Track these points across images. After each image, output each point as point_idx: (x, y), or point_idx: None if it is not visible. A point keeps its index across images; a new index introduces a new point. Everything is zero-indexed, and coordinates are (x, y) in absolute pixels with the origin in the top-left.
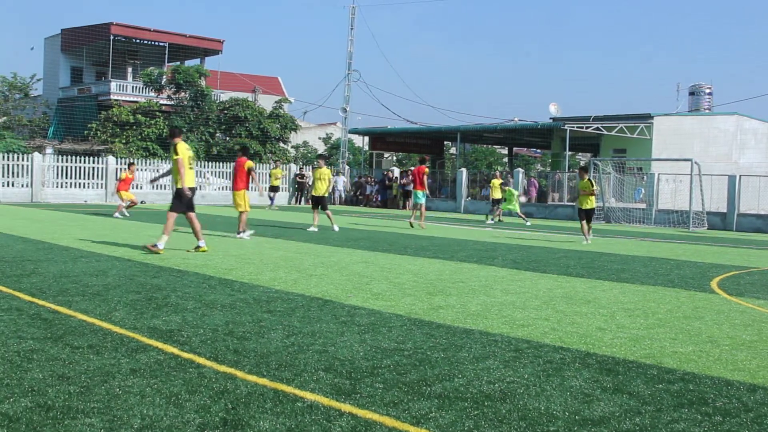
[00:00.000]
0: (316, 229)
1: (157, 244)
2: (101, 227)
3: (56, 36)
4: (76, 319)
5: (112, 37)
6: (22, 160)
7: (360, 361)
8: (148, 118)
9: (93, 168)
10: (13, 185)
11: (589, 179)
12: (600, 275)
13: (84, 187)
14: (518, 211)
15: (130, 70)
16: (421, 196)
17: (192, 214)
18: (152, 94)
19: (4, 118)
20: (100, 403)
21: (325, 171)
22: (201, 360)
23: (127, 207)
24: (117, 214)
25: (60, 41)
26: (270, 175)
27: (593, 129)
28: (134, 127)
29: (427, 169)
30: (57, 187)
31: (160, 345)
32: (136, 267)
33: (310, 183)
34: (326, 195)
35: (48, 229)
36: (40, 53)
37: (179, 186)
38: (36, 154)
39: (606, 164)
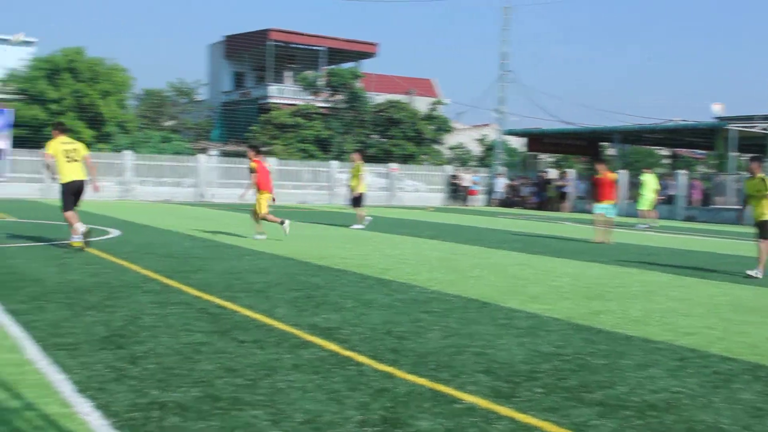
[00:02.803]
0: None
1: (73, 237)
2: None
3: (219, 43)
4: (240, 315)
5: (271, 43)
6: (189, 161)
7: (518, 364)
8: (306, 121)
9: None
10: (180, 185)
11: (762, 178)
12: (766, 282)
13: (245, 188)
14: (644, 209)
15: (288, 74)
16: (608, 209)
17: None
18: (309, 96)
19: (172, 121)
20: (264, 396)
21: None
22: (361, 358)
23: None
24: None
25: (223, 48)
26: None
27: (760, 129)
28: (293, 129)
29: (615, 175)
30: (220, 187)
31: (320, 342)
32: (297, 266)
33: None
34: (362, 192)
35: (213, 228)
36: (205, 59)
37: (60, 182)
38: (201, 155)
39: None
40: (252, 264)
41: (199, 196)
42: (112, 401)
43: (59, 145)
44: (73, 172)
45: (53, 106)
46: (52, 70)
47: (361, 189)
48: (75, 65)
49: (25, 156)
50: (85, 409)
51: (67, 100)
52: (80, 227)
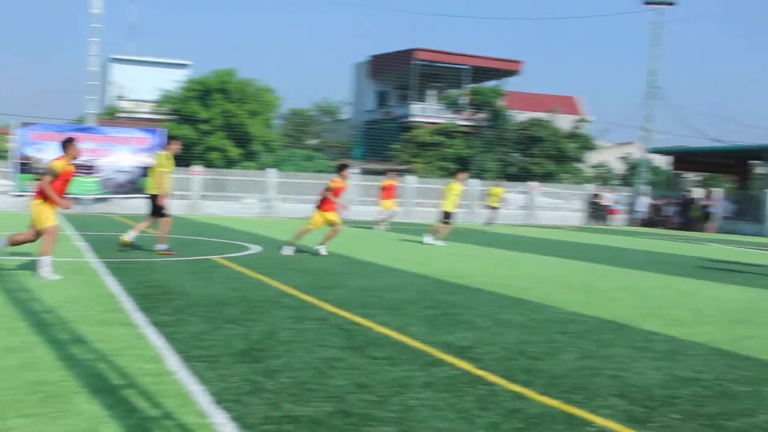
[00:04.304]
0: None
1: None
2: (403, 245)
3: (364, 62)
4: (375, 331)
5: (416, 62)
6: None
7: (655, 389)
8: (447, 139)
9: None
10: None
11: None
12: None
13: None
14: None
15: (431, 92)
16: None
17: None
18: (452, 115)
19: (316, 140)
20: (395, 413)
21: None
22: (493, 377)
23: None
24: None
25: (368, 67)
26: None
27: None
28: (434, 147)
29: None
30: (361, 204)
31: (453, 360)
32: (433, 284)
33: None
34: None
35: (351, 244)
36: (349, 79)
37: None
38: None
39: None
40: (388, 281)
41: (340, 213)
42: (247, 413)
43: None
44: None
45: (203, 126)
46: (204, 91)
47: (448, 207)
48: (226, 86)
49: (174, 173)
50: (220, 420)
51: (216, 119)
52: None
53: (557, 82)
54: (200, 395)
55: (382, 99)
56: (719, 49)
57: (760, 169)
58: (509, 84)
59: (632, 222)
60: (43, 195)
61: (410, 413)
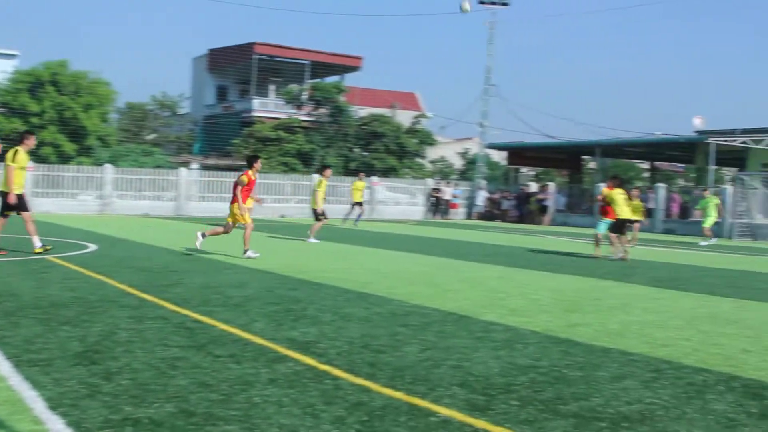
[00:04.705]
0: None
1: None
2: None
3: (203, 56)
4: (217, 329)
5: (255, 56)
6: (169, 175)
7: (495, 377)
8: (288, 134)
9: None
10: (160, 199)
11: None
12: (746, 295)
13: (227, 201)
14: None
15: (272, 87)
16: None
17: None
18: (293, 110)
19: (154, 135)
20: (239, 411)
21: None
22: (337, 372)
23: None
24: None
25: (206, 61)
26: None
27: (740, 142)
28: (275, 142)
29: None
30: (201, 201)
31: (297, 356)
32: (276, 279)
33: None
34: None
35: (192, 242)
36: (188, 72)
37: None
38: (182, 169)
39: (754, 179)
40: (231, 278)
41: (179, 209)
42: (85, 418)
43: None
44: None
45: (34, 120)
46: (34, 83)
47: (316, 205)
48: (58, 78)
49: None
50: (57, 426)
51: (49, 113)
52: None
53: (397, 79)
54: (34, 401)
55: (222, 93)
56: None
57: (591, 163)
58: (350, 80)
59: (472, 216)
60: None
61: (255, 410)
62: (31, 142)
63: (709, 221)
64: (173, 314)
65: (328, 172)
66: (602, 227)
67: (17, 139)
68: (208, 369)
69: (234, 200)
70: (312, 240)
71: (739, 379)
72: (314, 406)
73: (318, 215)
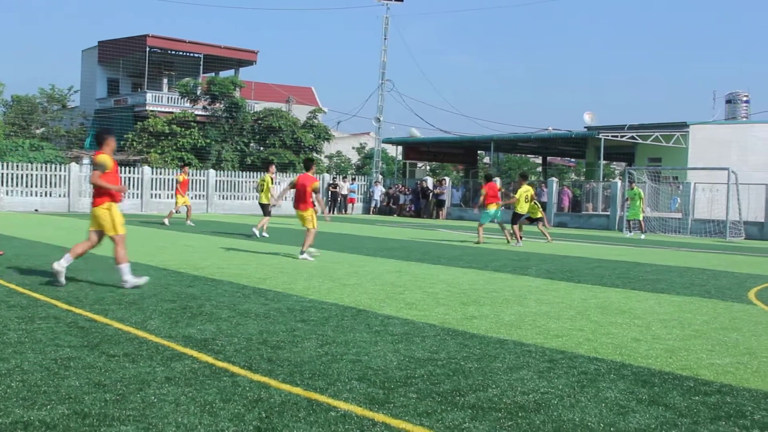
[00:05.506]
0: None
1: None
2: (138, 237)
3: (93, 48)
4: (112, 328)
5: (148, 49)
6: (60, 170)
7: (393, 370)
8: (183, 129)
9: (129, 178)
10: (51, 195)
11: None
12: (635, 285)
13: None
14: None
15: (165, 81)
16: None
17: None
18: (187, 104)
19: (43, 129)
20: (135, 410)
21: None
22: (235, 369)
23: (168, 216)
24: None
25: (97, 53)
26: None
27: (628, 138)
28: (169, 137)
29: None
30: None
31: (194, 353)
32: (171, 276)
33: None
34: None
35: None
36: (78, 65)
37: None
38: (73, 164)
39: (641, 173)
40: None
41: (70, 206)
42: None
43: None
44: None
45: None
46: None
47: (264, 200)
48: None
49: None
50: None
51: None
52: None
53: (293, 74)
54: None
55: (113, 87)
56: (448, 45)
57: (486, 158)
58: (245, 74)
59: (369, 210)
60: None
61: (151, 410)
62: None
63: (635, 213)
64: (65, 313)
65: (273, 168)
66: (485, 218)
67: None
68: (102, 369)
69: (309, 205)
70: (257, 232)
71: (629, 367)
72: (212, 404)
73: (267, 211)
